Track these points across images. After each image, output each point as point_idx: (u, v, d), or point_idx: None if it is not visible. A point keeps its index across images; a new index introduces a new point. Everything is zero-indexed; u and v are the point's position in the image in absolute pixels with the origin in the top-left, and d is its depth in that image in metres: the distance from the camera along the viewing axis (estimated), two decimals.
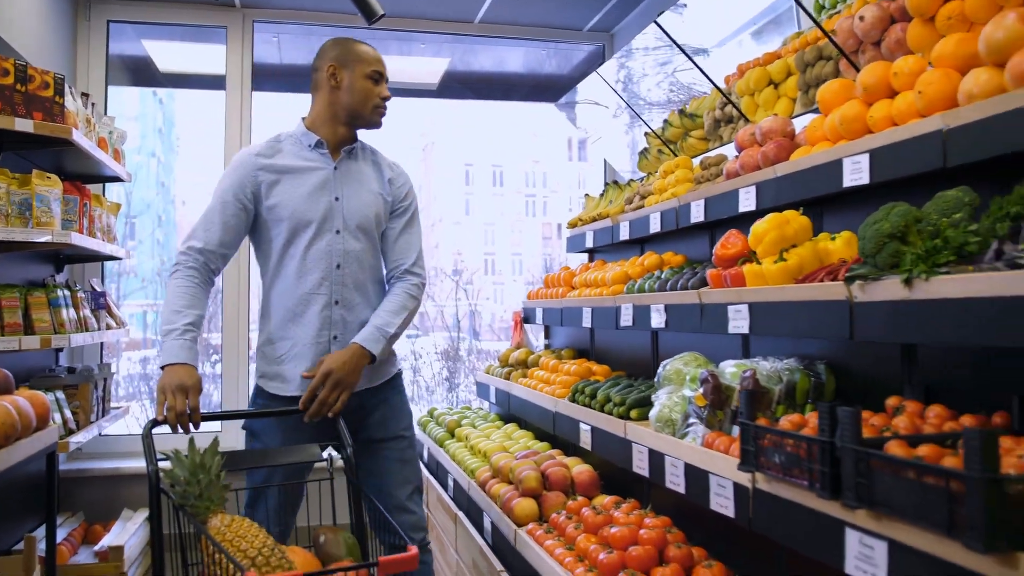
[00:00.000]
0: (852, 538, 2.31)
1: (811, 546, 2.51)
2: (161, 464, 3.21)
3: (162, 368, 3.66)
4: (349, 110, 4.05)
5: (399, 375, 4.28)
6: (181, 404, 3.56)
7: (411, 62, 8.40)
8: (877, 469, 2.19)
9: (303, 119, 4.15)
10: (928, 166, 2.78)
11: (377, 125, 4.13)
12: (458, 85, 8.70)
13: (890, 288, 2.50)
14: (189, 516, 3.00)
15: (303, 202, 3.94)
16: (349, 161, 4.11)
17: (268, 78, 8.08)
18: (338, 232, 3.98)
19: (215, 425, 7.33)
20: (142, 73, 8.12)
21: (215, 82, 7.56)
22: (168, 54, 7.99)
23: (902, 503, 2.11)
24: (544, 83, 8.88)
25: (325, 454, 3.73)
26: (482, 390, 7.00)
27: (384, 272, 4.23)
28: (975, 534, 1.85)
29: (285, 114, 8.28)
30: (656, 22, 4.98)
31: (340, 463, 5.36)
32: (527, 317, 6.85)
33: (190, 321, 3.75)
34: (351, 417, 4.03)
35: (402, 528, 3.98)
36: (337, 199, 4.00)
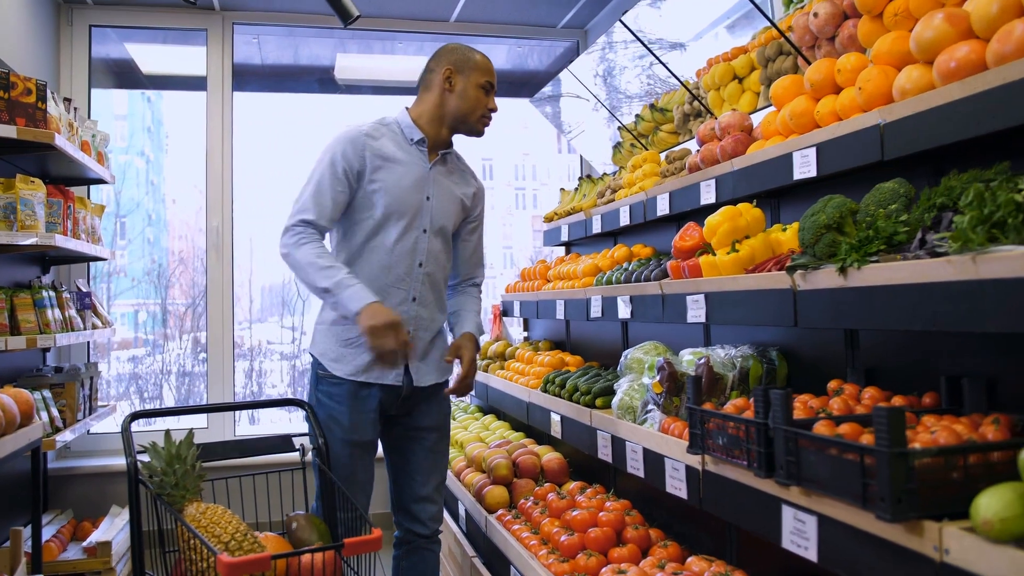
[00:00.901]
0: (787, 514, 2.44)
1: (753, 523, 2.64)
2: (140, 457, 3.32)
3: (356, 316, 3.71)
4: (457, 115, 4.08)
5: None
6: (402, 334, 3.67)
7: (393, 61, 8.48)
8: (804, 447, 2.32)
9: (407, 111, 4.18)
10: (869, 159, 2.90)
11: (479, 134, 4.17)
12: None
13: (827, 277, 2.63)
14: (166, 505, 3.13)
15: (402, 193, 3.97)
16: (442, 164, 4.15)
17: (250, 79, 8.18)
18: (424, 231, 4.02)
19: (200, 420, 7.46)
20: (126, 76, 8.22)
21: (198, 83, 7.67)
22: (151, 57, 8.09)
23: (826, 478, 2.24)
24: (528, 78, 8.97)
25: (298, 443, 3.83)
26: None
27: (449, 274, 4.30)
28: (884, 505, 1.98)
29: (267, 114, 8.41)
30: (621, 20, 5.10)
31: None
32: (506, 310, 6.98)
33: (349, 272, 3.80)
34: (405, 403, 4.08)
35: (423, 517, 4.13)
36: (428, 199, 4.04)
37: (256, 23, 7.67)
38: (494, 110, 4.11)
